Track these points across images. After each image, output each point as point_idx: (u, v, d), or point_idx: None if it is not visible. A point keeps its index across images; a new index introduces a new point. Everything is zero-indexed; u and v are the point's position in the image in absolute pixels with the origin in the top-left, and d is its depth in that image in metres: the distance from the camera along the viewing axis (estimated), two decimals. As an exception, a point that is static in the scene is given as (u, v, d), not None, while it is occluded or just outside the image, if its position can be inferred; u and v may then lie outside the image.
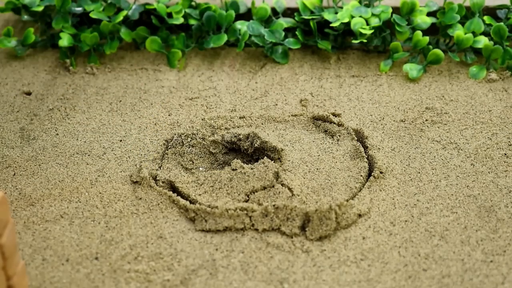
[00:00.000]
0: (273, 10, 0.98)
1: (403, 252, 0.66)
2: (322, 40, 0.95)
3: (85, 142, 0.80)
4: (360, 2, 0.95)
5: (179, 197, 0.72)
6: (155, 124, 0.83)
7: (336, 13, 0.94)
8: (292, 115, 0.83)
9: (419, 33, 0.91)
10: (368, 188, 0.73)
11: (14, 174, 0.76)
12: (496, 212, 0.70)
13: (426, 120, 0.83)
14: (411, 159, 0.77)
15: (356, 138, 0.79)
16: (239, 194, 0.71)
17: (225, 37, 0.93)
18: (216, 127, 0.80)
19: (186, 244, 0.67)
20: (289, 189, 0.71)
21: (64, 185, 0.74)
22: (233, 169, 0.73)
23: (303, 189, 0.71)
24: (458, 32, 0.92)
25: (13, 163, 0.77)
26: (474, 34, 0.92)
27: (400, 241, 0.67)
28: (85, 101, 0.87)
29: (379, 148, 0.78)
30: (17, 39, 0.97)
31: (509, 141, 0.79)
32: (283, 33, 0.94)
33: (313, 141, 0.78)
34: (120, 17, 0.94)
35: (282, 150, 0.75)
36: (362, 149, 0.77)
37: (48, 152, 0.79)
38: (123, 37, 0.95)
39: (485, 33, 0.94)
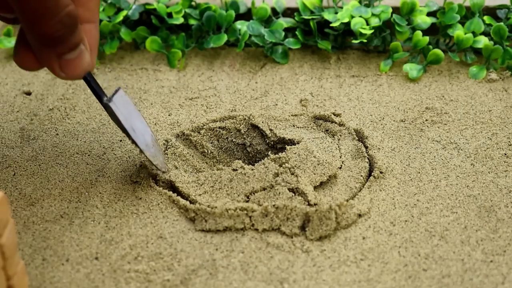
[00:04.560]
0: (273, 10, 0.98)
1: (403, 252, 0.66)
2: (322, 40, 0.95)
3: (85, 142, 0.80)
4: (360, 2, 0.95)
5: (179, 197, 0.72)
6: (155, 124, 0.83)
7: (336, 13, 0.94)
8: (292, 115, 0.83)
9: (419, 33, 0.91)
10: (368, 188, 0.73)
11: (14, 174, 0.76)
12: (496, 212, 0.70)
13: (426, 120, 0.83)
14: (411, 159, 0.77)
15: (357, 138, 0.79)
16: (238, 195, 0.71)
17: (225, 37, 0.93)
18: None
19: (186, 244, 0.67)
20: (296, 176, 0.71)
21: (64, 185, 0.74)
22: (233, 170, 0.73)
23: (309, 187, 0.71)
24: (458, 32, 0.92)
25: (13, 163, 0.77)
26: (474, 34, 0.92)
27: (400, 241, 0.67)
28: (85, 101, 0.87)
29: (379, 148, 0.78)
30: (17, 39, 0.97)
31: (509, 141, 0.79)
32: (283, 33, 0.94)
33: (313, 140, 0.78)
34: (120, 17, 0.94)
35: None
36: (363, 149, 0.77)
37: (48, 152, 0.79)
38: (123, 37, 0.95)
39: (485, 33, 0.94)
